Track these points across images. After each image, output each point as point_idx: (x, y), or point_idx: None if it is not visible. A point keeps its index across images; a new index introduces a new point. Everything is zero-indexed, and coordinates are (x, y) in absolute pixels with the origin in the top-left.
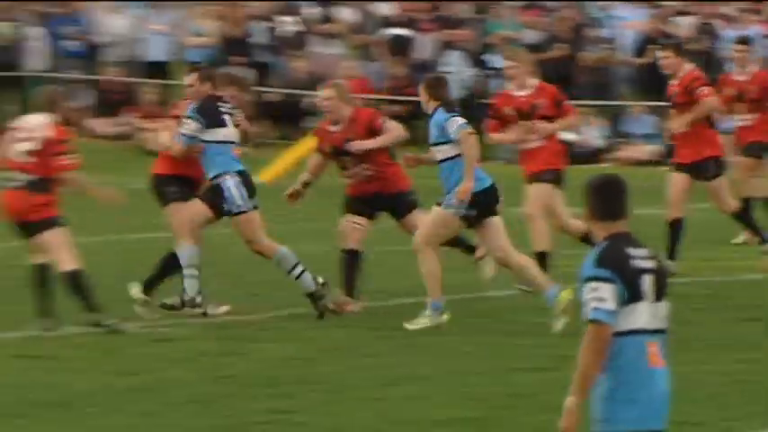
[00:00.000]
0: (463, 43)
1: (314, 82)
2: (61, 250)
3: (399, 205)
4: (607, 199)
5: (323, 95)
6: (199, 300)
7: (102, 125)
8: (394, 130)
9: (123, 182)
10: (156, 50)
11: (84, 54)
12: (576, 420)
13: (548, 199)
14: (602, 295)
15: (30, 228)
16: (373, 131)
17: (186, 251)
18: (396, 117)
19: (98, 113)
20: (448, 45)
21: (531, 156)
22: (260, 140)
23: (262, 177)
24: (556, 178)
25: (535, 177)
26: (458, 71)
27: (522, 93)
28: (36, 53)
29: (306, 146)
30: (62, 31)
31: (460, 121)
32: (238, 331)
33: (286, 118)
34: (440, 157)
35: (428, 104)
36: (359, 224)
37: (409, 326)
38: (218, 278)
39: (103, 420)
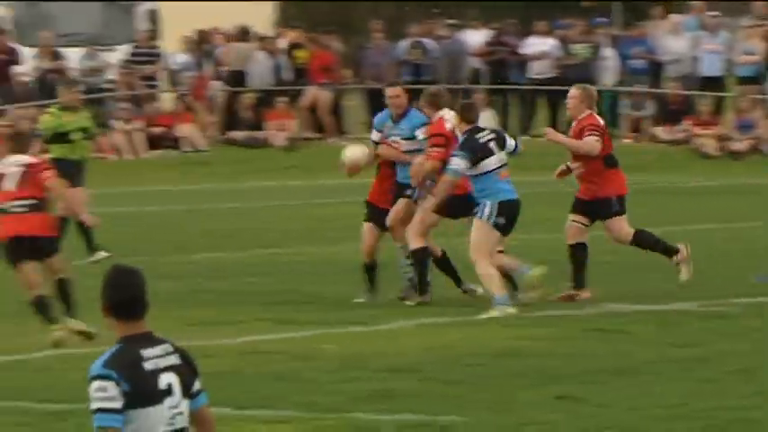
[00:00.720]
0: None
1: None
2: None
3: (600, 210)
4: None
5: (569, 93)
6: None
7: (663, 132)
8: (584, 144)
9: (678, 180)
10: (710, 67)
11: (648, 70)
12: None
13: None
14: None
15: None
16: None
17: None
18: None
19: (660, 121)
20: None
21: None
22: None
23: None
24: None
25: None
26: None
27: None
28: (608, 70)
29: None
30: (630, 51)
31: (457, 160)
32: None
33: None
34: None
35: (459, 126)
36: (578, 222)
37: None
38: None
39: (663, 386)
